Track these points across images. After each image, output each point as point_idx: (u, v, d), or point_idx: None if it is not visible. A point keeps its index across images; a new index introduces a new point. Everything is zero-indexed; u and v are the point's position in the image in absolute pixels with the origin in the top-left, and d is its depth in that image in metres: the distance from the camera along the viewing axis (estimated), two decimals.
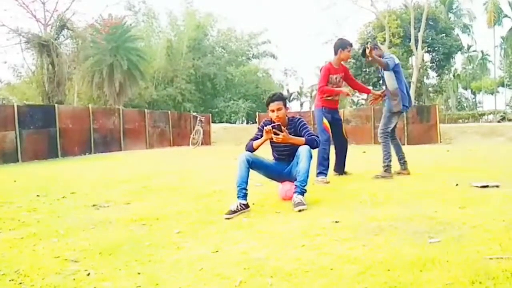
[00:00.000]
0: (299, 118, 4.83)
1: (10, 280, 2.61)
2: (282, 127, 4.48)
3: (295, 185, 4.39)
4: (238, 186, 4.36)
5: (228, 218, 4.01)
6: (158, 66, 35.51)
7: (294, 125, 4.77)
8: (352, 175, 6.67)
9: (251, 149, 4.61)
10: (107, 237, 3.52)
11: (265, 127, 4.49)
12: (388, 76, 6.30)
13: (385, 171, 6.23)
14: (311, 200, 4.65)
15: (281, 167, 4.81)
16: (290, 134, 4.58)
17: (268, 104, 4.76)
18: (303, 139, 4.57)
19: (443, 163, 8.14)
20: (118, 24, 29.12)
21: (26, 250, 3.29)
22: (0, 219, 4.46)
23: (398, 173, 6.49)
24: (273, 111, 4.70)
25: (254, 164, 4.57)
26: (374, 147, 15.61)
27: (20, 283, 2.57)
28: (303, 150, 4.45)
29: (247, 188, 4.39)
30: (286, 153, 4.77)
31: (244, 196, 4.32)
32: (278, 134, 4.44)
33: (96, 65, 28.57)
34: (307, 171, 4.40)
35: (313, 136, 4.61)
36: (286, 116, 4.78)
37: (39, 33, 23.53)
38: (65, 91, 25.11)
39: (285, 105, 4.75)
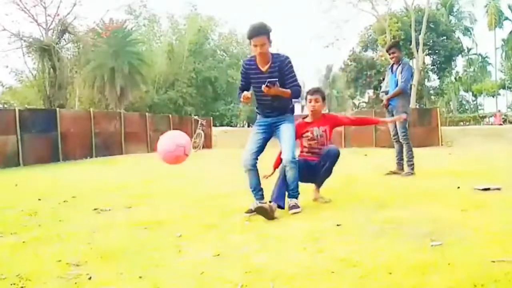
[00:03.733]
0: (287, 58, 4.30)
1: (11, 284, 2.60)
2: (277, 83, 4.11)
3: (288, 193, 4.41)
4: (253, 191, 4.42)
5: (249, 214, 4.14)
6: (159, 70, 35.56)
7: (280, 65, 4.26)
8: (354, 178, 6.67)
9: (240, 99, 4.31)
10: (108, 241, 3.52)
11: (263, 86, 4.10)
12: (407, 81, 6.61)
13: (412, 169, 6.60)
14: (313, 203, 4.65)
15: None
16: (275, 73, 4.22)
17: (250, 38, 4.15)
18: (289, 91, 4.25)
19: (444, 166, 8.14)
20: (119, 28, 29.22)
21: (28, 254, 3.28)
22: (2, 223, 4.45)
23: (394, 172, 6.78)
24: (256, 46, 4.12)
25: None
26: (375, 150, 15.61)
27: (22, 287, 2.56)
28: (286, 166, 4.33)
29: (262, 188, 4.45)
30: (275, 106, 4.42)
31: (261, 197, 4.38)
32: (270, 88, 4.09)
33: (97, 69, 28.64)
34: (295, 179, 4.35)
35: (297, 87, 4.31)
36: (270, 53, 4.25)
37: (40, 38, 23.61)
38: (67, 95, 25.17)
39: (268, 39, 4.16)
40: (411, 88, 6.84)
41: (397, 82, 6.61)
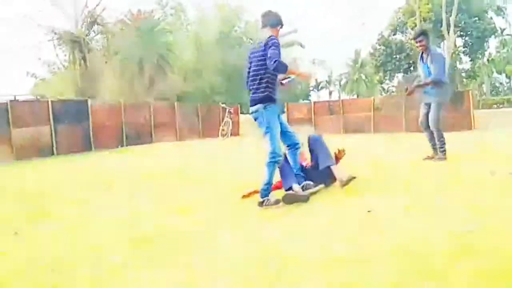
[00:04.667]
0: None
1: (49, 269, 2.70)
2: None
3: None
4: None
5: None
6: (187, 59, 35.71)
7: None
8: (385, 164, 6.60)
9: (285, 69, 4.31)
10: (142, 228, 3.59)
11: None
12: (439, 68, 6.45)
13: (443, 154, 6.52)
14: (341, 190, 4.63)
15: None
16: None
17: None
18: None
19: (478, 151, 7.96)
20: (146, 18, 29.43)
21: (63, 239, 3.39)
22: (43, 210, 4.59)
23: (430, 157, 6.67)
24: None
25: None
26: (406, 135, 15.36)
27: (59, 271, 2.65)
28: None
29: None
30: None
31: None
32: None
33: (126, 60, 28.97)
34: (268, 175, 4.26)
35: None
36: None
37: (70, 30, 24.04)
38: (97, 85, 25.63)
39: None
40: (445, 77, 6.65)
41: (430, 71, 6.46)
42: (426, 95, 6.66)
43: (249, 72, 4.59)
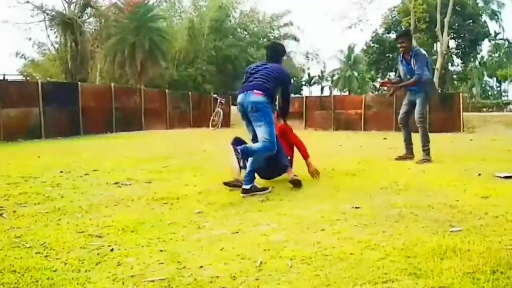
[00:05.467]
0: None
1: (36, 253, 2.69)
2: None
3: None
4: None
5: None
6: (179, 47, 35.49)
7: None
8: (372, 162, 6.64)
9: None
10: (129, 214, 3.59)
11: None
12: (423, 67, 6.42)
13: (427, 154, 6.40)
14: (331, 185, 4.65)
15: None
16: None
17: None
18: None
19: (465, 152, 8.03)
20: (140, 3, 29.17)
21: (51, 224, 3.37)
22: (25, 193, 4.56)
23: (402, 158, 6.66)
24: None
25: None
26: (395, 134, 15.47)
27: (46, 256, 2.64)
28: None
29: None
30: None
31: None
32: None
33: (118, 44, 28.71)
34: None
35: None
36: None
37: (63, 11, 23.76)
38: (88, 69, 25.41)
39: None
40: (433, 74, 6.60)
41: (412, 71, 6.42)
42: (411, 93, 6.65)
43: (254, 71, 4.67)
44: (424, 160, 6.34)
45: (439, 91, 32.64)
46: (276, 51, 5.02)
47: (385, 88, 7.05)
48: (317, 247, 2.64)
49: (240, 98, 4.55)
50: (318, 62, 56.91)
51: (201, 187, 4.73)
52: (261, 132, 4.39)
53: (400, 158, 6.68)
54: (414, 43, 6.72)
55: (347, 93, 53.02)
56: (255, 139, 4.58)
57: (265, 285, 2.15)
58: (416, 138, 6.58)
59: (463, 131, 19.93)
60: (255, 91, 4.41)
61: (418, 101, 6.49)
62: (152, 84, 31.32)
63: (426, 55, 6.52)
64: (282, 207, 3.74)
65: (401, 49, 6.61)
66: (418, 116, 6.47)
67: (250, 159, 4.40)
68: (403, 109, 6.76)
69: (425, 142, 6.45)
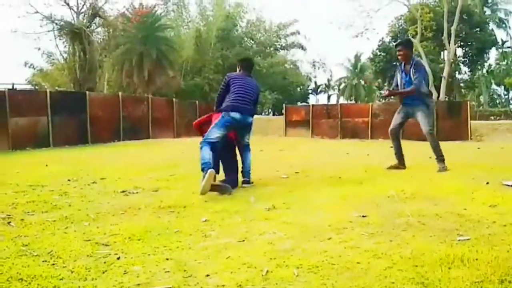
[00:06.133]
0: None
1: (43, 261, 2.70)
2: None
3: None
4: None
5: None
6: (187, 56, 35.63)
7: None
8: (379, 170, 6.62)
9: None
10: (136, 223, 3.60)
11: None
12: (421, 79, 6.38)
13: (442, 162, 6.33)
14: (338, 194, 4.64)
15: None
16: None
17: None
18: None
19: (473, 161, 7.99)
20: (148, 13, 29.39)
21: (58, 232, 3.39)
22: (33, 201, 4.59)
23: (395, 167, 6.60)
24: None
25: None
26: (402, 142, 15.42)
27: (53, 264, 2.65)
28: None
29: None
30: None
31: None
32: None
33: (126, 54, 28.88)
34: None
35: None
36: None
37: (71, 21, 24.00)
38: (96, 78, 25.59)
39: None
40: (427, 87, 6.50)
41: (411, 81, 6.35)
42: (408, 106, 6.56)
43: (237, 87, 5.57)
44: (443, 168, 6.25)
45: (446, 99, 32.54)
46: (252, 65, 6.21)
47: (392, 97, 7.03)
48: (323, 256, 2.63)
49: (238, 116, 5.39)
50: (325, 71, 56.97)
51: (208, 195, 4.74)
52: (247, 138, 5.71)
53: (392, 167, 6.60)
54: (420, 51, 6.65)
55: (353, 101, 52.99)
56: (221, 142, 5.38)
57: None
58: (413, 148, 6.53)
59: (471, 139, 19.82)
60: (250, 116, 5.57)
61: (421, 115, 6.41)
62: (160, 93, 31.44)
63: (426, 67, 6.39)
64: (288, 216, 3.73)
65: (399, 57, 6.56)
66: (428, 129, 6.38)
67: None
68: (396, 121, 6.67)
69: (439, 153, 6.37)
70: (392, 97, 6.83)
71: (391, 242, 2.87)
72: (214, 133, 5.29)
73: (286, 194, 4.75)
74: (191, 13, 40.67)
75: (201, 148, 5.20)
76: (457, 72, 40.81)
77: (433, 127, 6.49)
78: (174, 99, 23.16)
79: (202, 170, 4.91)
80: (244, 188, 5.25)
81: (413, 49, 6.53)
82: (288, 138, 21.03)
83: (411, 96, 6.43)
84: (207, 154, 5.07)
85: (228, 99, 5.43)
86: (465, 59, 40.47)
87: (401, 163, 6.63)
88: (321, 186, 5.27)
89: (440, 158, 6.37)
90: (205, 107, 24.44)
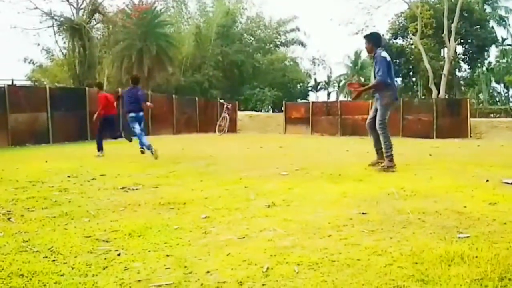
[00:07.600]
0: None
1: (43, 257, 2.70)
2: None
3: None
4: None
5: None
6: (186, 52, 35.61)
7: None
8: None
9: None
10: (136, 219, 3.60)
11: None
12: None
13: (389, 160, 6.22)
14: (338, 191, 4.64)
15: None
16: None
17: None
18: None
19: (473, 158, 7.99)
20: (148, 9, 29.35)
21: (58, 228, 3.39)
22: (33, 197, 4.60)
23: (374, 164, 6.51)
24: None
25: None
26: (402, 140, 15.43)
27: (54, 260, 2.65)
28: None
29: None
30: None
31: None
32: None
33: (126, 50, 28.88)
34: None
35: None
36: None
37: (71, 17, 23.93)
38: (96, 74, 25.54)
39: None
40: (391, 79, 6.43)
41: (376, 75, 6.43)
42: (375, 99, 6.68)
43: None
44: (387, 166, 6.16)
45: (446, 96, 32.50)
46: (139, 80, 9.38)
47: (352, 89, 7.11)
48: (324, 253, 2.63)
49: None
50: (325, 68, 56.87)
51: (208, 192, 4.75)
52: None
53: (371, 164, 6.55)
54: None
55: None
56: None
57: None
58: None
59: (471, 136, 19.83)
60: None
61: (378, 107, 6.42)
62: (159, 89, 31.45)
63: (387, 59, 6.31)
64: (288, 213, 3.73)
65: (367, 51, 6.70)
66: (378, 122, 6.35)
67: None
68: (371, 114, 6.68)
69: (388, 149, 6.27)
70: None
71: (391, 239, 2.87)
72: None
73: (286, 191, 4.75)
74: (190, 9, 40.66)
75: None
76: (457, 70, 40.78)
77: (384, 122, 6.33)
78: (173, 96, 23.13)
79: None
80: (245, 186, 5.24)
81: (380, 42, 6.54)
82: (288, 135, 21.06)
83: (375, 89, 6.56)
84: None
85: None
86: (465, 56, 40.43)
87: (379, 158, 6.53)
88: (321, 183, 5.27)
89: (388, 154, 6.26)
90: (205, 104, 24.46)
